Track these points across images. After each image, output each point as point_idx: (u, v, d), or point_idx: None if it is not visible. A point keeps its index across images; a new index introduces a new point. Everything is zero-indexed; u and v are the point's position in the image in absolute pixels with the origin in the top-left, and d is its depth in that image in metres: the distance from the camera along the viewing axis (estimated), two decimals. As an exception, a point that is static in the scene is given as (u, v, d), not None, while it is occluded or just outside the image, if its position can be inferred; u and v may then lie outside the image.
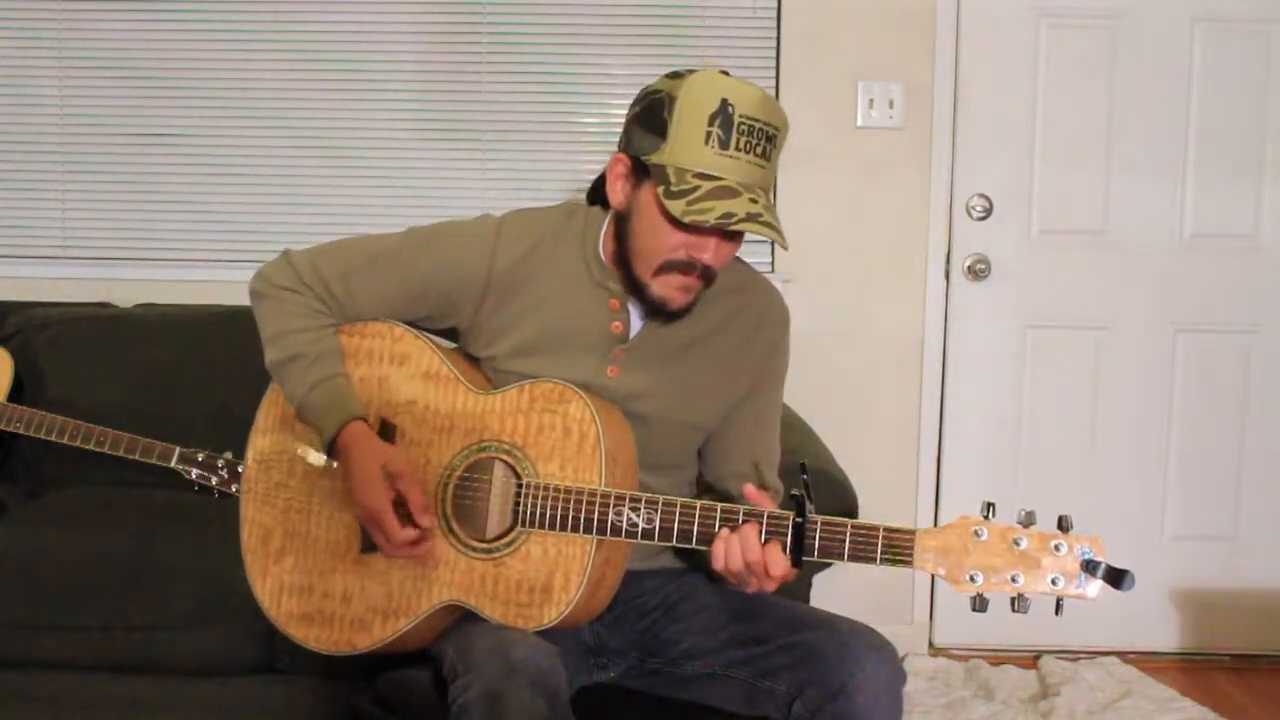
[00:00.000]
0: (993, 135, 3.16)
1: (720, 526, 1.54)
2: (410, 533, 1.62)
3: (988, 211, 3.18)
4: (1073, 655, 3.14)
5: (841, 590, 2.77)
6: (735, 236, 1.62)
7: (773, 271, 3.09)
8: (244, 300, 2.83)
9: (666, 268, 1.62)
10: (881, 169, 3.15)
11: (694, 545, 1.57)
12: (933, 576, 1.48)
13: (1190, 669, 3.20)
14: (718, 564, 1.54)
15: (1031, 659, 3.17)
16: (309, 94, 3.17)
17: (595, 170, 3.14)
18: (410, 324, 1.76)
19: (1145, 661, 3.17)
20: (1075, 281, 3.21)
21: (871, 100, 3.13)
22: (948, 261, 3.19)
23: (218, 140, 3.18)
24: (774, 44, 3.15)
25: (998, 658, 3.17)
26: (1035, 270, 3.20)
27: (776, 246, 3.00)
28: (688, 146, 1.57)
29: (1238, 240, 3.20)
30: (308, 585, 1.73)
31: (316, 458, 1.71)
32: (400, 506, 1.63)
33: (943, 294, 3.20)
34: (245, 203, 3.20)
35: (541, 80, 3.16)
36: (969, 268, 3.19)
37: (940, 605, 3.26)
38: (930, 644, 3.28)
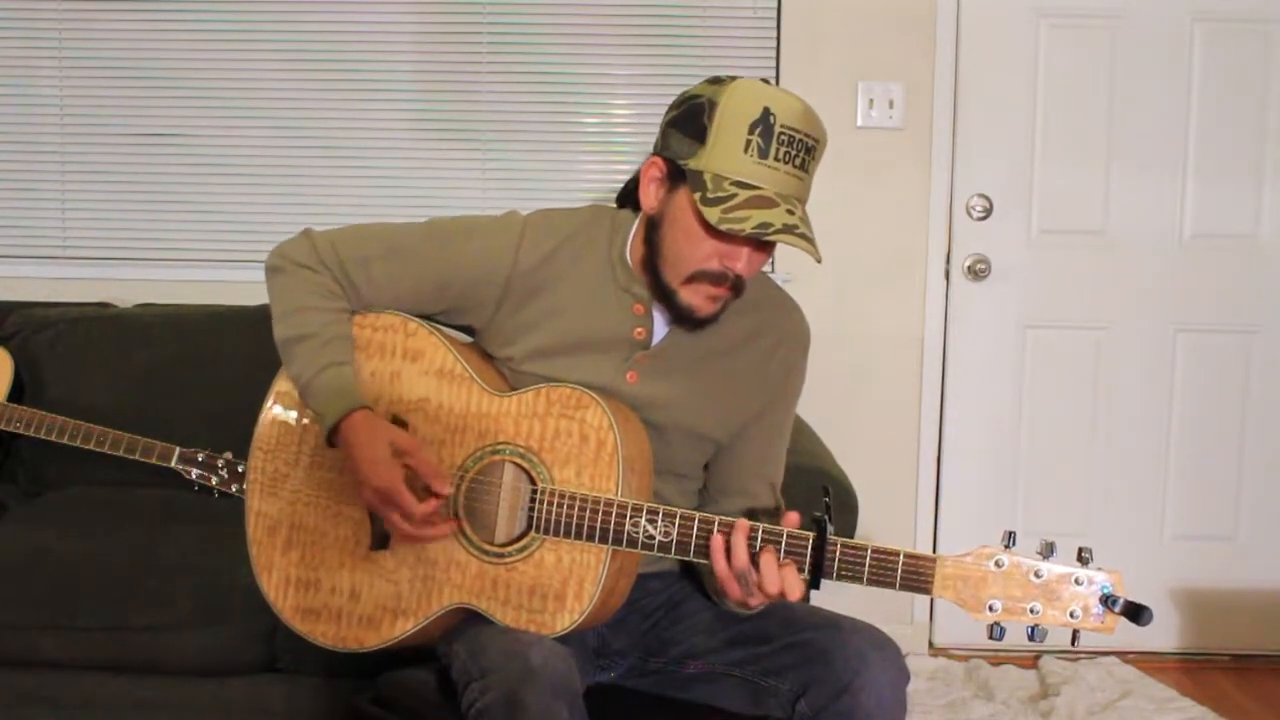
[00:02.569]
0: (993, 135, 3.16)
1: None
2: (431, 504, 1.60)
3: (988, 211, 3.18)
4: (1073, 655, 3.14)
5: (842, 589, 2.76)
6: (767, 246, 1.60)
7: (773, 271, 3.09)
8: (244, 300, 2.87)
9: (698, 277, 1.60)
10: (881, 169, 3.15)
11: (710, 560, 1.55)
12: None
13: (1190, 669, 3.20)
14: (720, 567, 1.51)
15: (1031, 659, 3.17)
16: (309, 94, 3.17)
17: (596, 171, 3.19)
18: (427, 318, 1.75)
19: (1145, 661, 3.17)
20: (1075, 281, 3.21)
21: (871, 100, 3.13)
22: (948, 261, 3.19)
23: (218, 140, 3.18)
24: (774, 44, 3.15)
25: (998, 658, 3.17)
26: (1035, 270, 3.20)
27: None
28: (727, 153, 1.55)
29: (1238, 240, 3.20)
30: (315, 580, 1.72)
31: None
32: (411, 487, 1.61)
33: (943, 294, 3.20)
34: (245, 203, 3.19)
35: (541, 80, 3.16)
36: (969, 268, 3.19)
37: (940, 605, 3.26)
38: (930, 644, 3.28)
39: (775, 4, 3.14)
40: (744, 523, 1.53)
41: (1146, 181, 3.17)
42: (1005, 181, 3.18)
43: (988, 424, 3.25)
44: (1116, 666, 3.09)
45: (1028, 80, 3.15)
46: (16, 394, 2.76)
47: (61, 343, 2.84)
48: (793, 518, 1.53)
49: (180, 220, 3.20)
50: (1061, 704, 2.84)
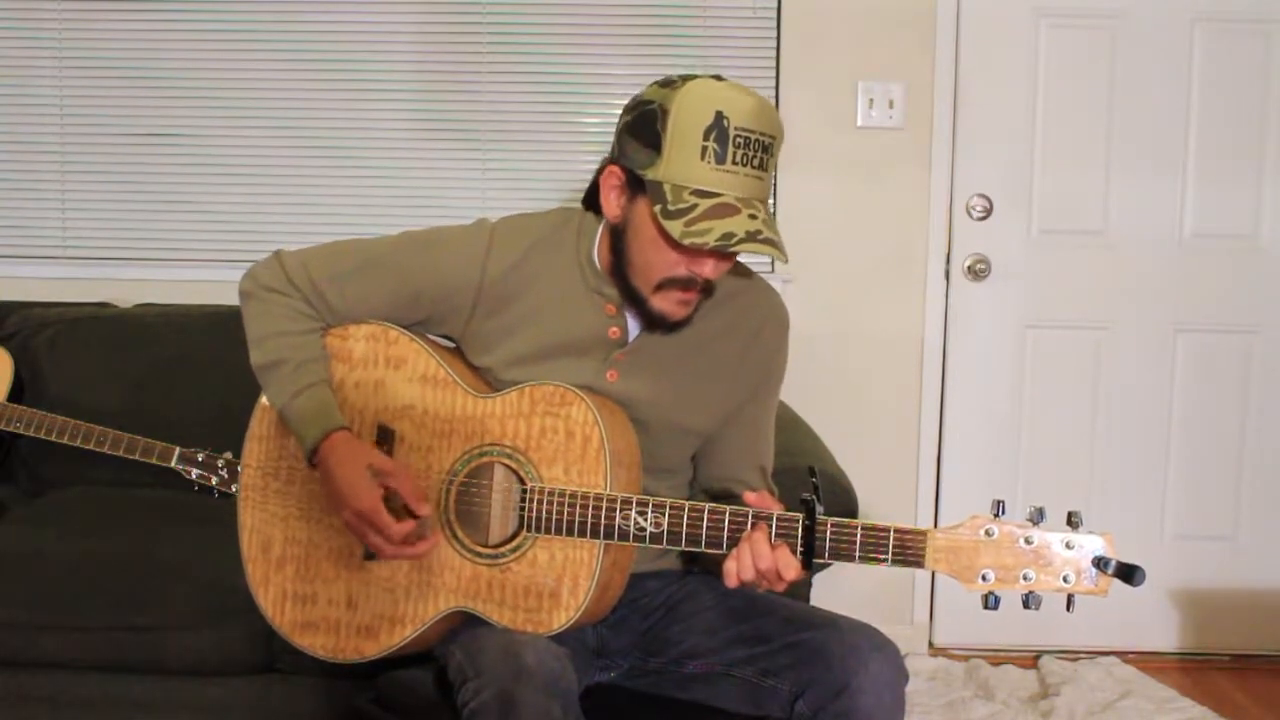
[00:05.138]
0: (993, 135, 3.16)
1: (729, 529, 1.53)
2: (408, 524, 1.61)
3: (988, 211, 3.18)
4: (1073, 655, 3.14)
5: (842, 590, 2.77)
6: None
7: (772, 271, 3.08)
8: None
9: (667, 284, 1.61)
10: (881, 169, 3.15)
11: (703, 549, 1.55)
12: (933, 576, 1.48)
13: (1190, 669, 3.20)
14: (730, 581, 1.51)
15: (1031, 659, 3.17)
16: (309, 94, 3.17)
17: (595, 171, 3.18)
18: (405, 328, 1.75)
19: (1145, 661, 3.17)
20: (1075, 281, 3.21)
21: (871, 100, 3.13)
22: (948, 261, 3.19)
23: (217, 140, 3.18)
24: (774, 44, 3.15)
25: (998, 658, 3.17)
26: (1035, 270, 3.20)
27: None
28: (683, 162, 1.54)
29: (1238, 240, 3.20)
30: (311, 593, 1.72)
31: None
32: (390, 506, 1.62)
33: (943, 294, 3.20)
34: (245, 203, 3.20)
35: (541, 80, 3.16)
36: (969, 268, 3.19)
37: (940, 605, 3.25)
38: (930, 644, 3.28)
39: (775, 4, 3.14)
40: (735, 508, 1.53)
41: (1146, 181, 3.17)
42: (1005, 181, 3.18)
43: (988, 424, 3.25)
44: (1116, 666, 3.08)
45: (1028, 80, 3.15)
46: (16, 394, 2.76)
47: (61, 343, 2.85)
48: (750, 497, 1.54)
49: (180, 220, 3.20)
50: (1061, 704, 2.84)
